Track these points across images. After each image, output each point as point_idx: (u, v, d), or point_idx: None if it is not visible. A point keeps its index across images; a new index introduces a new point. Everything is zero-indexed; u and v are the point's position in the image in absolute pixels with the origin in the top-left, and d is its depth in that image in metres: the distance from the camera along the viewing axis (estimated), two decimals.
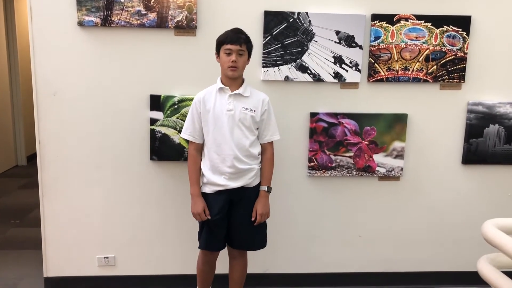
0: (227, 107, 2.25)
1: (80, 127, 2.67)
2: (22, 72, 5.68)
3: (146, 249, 2.84)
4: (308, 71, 2.67)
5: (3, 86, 5.47)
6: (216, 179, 2.29)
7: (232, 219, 2.37)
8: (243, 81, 2.31)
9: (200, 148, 2.35)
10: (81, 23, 2.54)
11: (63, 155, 2.69)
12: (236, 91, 2.26)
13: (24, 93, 5.75)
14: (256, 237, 2.41)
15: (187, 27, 2.58)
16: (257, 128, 2.33)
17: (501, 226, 1.76)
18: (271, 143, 2.39)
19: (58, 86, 2.62)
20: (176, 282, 2.82)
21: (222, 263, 2.63)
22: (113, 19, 2.54)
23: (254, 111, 2.28)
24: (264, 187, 2.36)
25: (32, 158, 5.91)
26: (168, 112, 2.64)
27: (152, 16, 2.55)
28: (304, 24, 2.61)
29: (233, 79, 2.25)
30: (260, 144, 2.36)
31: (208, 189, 2.33)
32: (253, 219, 2.33)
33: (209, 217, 2.31)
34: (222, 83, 2.28)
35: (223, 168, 2.27)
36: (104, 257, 2.82)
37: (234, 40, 2.19)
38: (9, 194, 4.76)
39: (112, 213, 2.78)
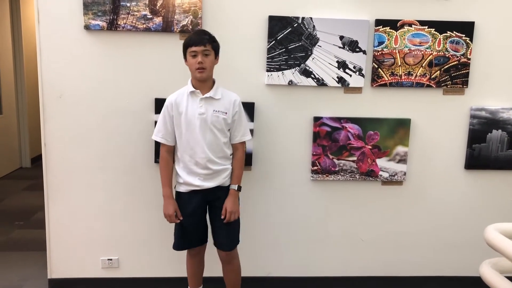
0: (199, 110, 2.27)
1: (85, 130, 2.69)
2: (27, 75, 5.72)
3: (150, 251, 2.86)
4: (312, 76, 2.68)
5: (8, 89, 5.51)
6: (191, 179, 2.32)
7: (210, 220, 2.43)
8: (213, 82, 2.33)
9: (171, 150, 2.37)
10: (87, 27, 2.57)
11: (68, 157, 2.71)
12: (207, 94, 2.28)
13: (29, 96, 5.78)
14: (229, 235, 2.42)
15: (192, 32, 2.60)
16: (229, 130, 2.35)
17: (504, 231, 1.77)
18: (243, 143, 2.42)
19: (63, 89, 2.65)
20: (179, 285, 2.83)
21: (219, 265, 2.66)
22: (119, 23, 2.56)
23: (226, 113, 2.30)
24: (234, 186, 2.38)
25: (36, 160, 5.94)
26: None
27: (158, 20, 2.58)
28: (308, 29, 2.63)
29: (203, 81, 2.28)
30: (231, 144, 2.39)
31: (183, 189, 2.37)
32: (222, 217, 2.35)
33: (181, 219, 2.35)
34: (193, 86, 2.29)
35: (197, 170, 2.30)
36: (108, 259, 2.83)
37: (197, 42, 2.21)
38: (13, 196, 4.78)
39: (116, 215, 2.80)
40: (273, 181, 2.80)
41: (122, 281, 2.87)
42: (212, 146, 2.29)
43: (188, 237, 2.42)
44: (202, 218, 2.42)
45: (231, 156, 2.40)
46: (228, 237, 2.42)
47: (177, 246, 2.45)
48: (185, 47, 2.26)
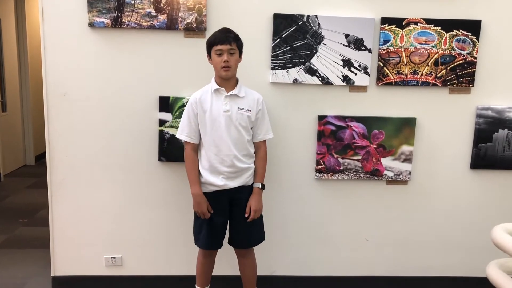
0: (224, 108, 2.27)
1: (89, 128, 2.69)
2: (31, 73, 5.73)
3: (153, 250, 2.85)
4: (317, 74, 2.67)
5: (13, 87, 5.52)
6: (214, 179, 2.31)
7: (231, 219, 2.42)
8: (237, 81, 2.34)
9: (196, 148, 2.36)
10: (91, 24, 2.56)
11: (72, 155, 2.71)
12: (232, 92, 2.29)
13: (33, 94, 5.79)
14: (254, 233, 2.44)
15: (197, 29, 2.59)
16: (251, 128, 2.35)
17: (511, 231, 1.75)
18: (264, 141, 2.43)
19: (68, 87, 2.64)
20: (182, 283, 2.82)
21: (228, 264, 2.65)
22: (123, 20, 2.56)
23: (250, 111, 2.31)
24: (258, 184, 2.39)
25: (40, 158, 5.95)
26: (177, 113, 2.64)
27: (162, 18, 2.57)
28: (313, 27, 2.61)
29: (227, 79, 2.28)
30: (254, 142, 2.39)
31: (206, 189, 2.36)
32: (246, 215, 2.36)
33: (212, 212, 2.34)
34: (217, 84, 2.29)
35: (221, 168, 2.30)
36: (111, 257, 2.83)
37: (223, 40, 2.21)
38: (17, 193, 4.79)
39: (120, 214, 2.79)
40: (277, 179, 2.79)
41: (126, 279, 2.86)
42: (237, 143, 2.29)
43: (217, 237, 2.40)
44: (226, 218, 2.41)
45: (254, 155, 2.39)
46: (251, 235, 2.43)
47: (206, 245, 2.42)
48: (210, 46, 2.26)
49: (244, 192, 2.38)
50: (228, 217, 2.42)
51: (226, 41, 2.22)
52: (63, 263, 2.83)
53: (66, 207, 2.76)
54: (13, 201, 4.55)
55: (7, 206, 4.41)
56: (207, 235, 2.39)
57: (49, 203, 2.75)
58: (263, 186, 2.41)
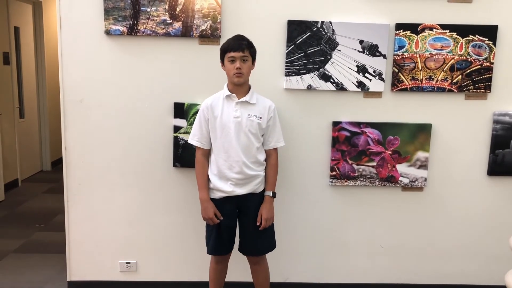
0: (234, 114, 2.28)
1: (105, 134, 2.72)
2: (48, 80, 5.82)
3: (168, 255, 2.86)
4: (331, 80, 2.66)
5: (30, 93, 5.61)
6: (222, 185, 2.32)
7: (240, 226, 2.42)
8: (249, 88, 2.34)
9: (207, 153, 2.37)
10: (108, 32, 2.59)
11: (88, 161, 2.74)
12: (243, 99, 2.29)
13: (50, 100, 5.88)
14: (264, 241, 2.43)
15: (212, 36, 2.61)
16: (262, 135, 2.35)
17: None
18: (276, 149, 2.42)
19: (84, 94, 2.68)
20: None
21: (241, 270, 2.65)
22: (139, 28, 2.59)
23: (261, 118, 2.31)
24: (269, 193, 2.39)
25: (56, 164, 6.03)
26: (192, 119, 2.66)
27: (177, 25, 2.59)
28: (328, 33, 2.61)
29: (239, 86, 2.29)
30: (265, 150, 2.39)
31: (214, 195, 2.36)
32: (258, 223, 2.35)
33: (221, 219, 2.35)
34: (229, 90, 2.31)
35: (230, 174, 2.30)
36: (126, 263, 2.85)
37: (236, 47, 2.23)
38: (34, 199, 4.85)
39: (135, 219, 2.81)
40: (291, 186, 2.78)
41: (140, 284, 2.88)
42: (246, 150, 2.29)
43: (224, 243, 2.41)
44: (234, 224, 2.42)
45: (264, 162, 2.39)
46: (262, 243, 2.43)
47: (214, 251, 2.44)
48: (223, 52, 2.27)
49: (253, 199, 2.37)
50: (237, 224, 2.43)
51: (239, 48, 2.23)
52: (79, 268, 2.86)
53: (82, 212, 2.79)
54: (30, 206, 4.61)
55: (24, 211, 4.47)
56: (215, 241, 2.40)
57: (65, 208, 2.79)
58: (274, 194, 2.40)
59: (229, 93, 2.31)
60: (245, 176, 2.31)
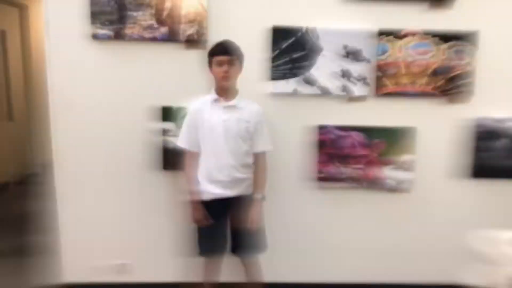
0: (223, 117, 2.32)
1: (93, 137, 2.74)
2: (36, 83, 5.79)
3: (161, 256, 2.89)
4: (317, 84, 2.70)
5: (18, 96, 5.59)
6: (211, 188, 2.35)
7: (231, 228, 2.46)
8: (237, 92, 2.37)
9: (195, 156, 2.40)
10: (95, 36, 2.61)
11: (78, 163, 2.76)
12: (231, 103, 2.33)
13: (38, 103, 5.85)
14: (255, 243, 2.46)
15: (198, 41, 2.64)
16: (250, 139, 2.38)
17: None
18: (264, 153, 2.45)
19: (72, 98, 2.70)
20: None
21: (236, 270, 2.68)
22: (126, 32, 2.61)
23: (249, 121, 2.34)
24: (258, 195, 2.40)
25: (45, 167, 6.00)
26: (180, 123, 2.68)
27: (164, 30, 2.62)
28: (312, 39, 2.65)
29: (227, 90, 2.32)
30: (253, 153, 2.41)
31: (204, 197, 2.39)
32: (248, 226, 2.38)
33: (211, 221, 2.38)
34: (216, 94, 2.34)
35: (219, 176, 2.34)
36: (120, 263, 2.87)
37: (223, 51, 2.27)
38: (22, 202, 4.84)
39: (127, 220, 2.84)
40: (277, 188, 2.81)
41: (135, 286, 2.90)
42: (235, 153, 2.33)
43: (214, 244, 2.44)
44: (224, 225, 2.45)
45: (252, 166, 2.42)
46: (252, 245, 2.45)
47: (203, 252, 2.47)
48: (211, 56, 2.31)
49: (242, 201, 2.40)
50: (227, 226, 2.46)
51: (226, 52, 2.27)
52: (73, 270, 2.88)
53: (73, 215, 2.82)
54: (18, 210, 4.60)
55: (13, 214, 4.46)
56: (205, 243, 2.43)
57: (56, 211, 2.81)
58: (263, 197, 2.43)
59: (217, 96, 2.33)
60: (234, 179, 2.34)
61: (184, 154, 2.43)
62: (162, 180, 2.79)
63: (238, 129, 2.32)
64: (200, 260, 2.55)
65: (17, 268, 3.31)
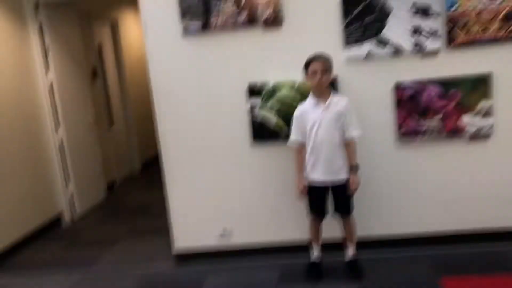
0: (322, 115, 2.72)
1: (192, 120, 3.14)
2: (130, 91, 6.36)
3: (259, 220, 3.23)
4: (389, 45, 2.88)
5: (116, 104, 6.18)
6: (315, 175, 2.80)
7: (333, 195, 2.87)
8: (329, 92, 2.74)
9: (303, 145, 2.83)
10: (185, 30, 2.99)
11: (181, 144, 3.18)
12: (327, 102, 2.72)
13: (134, 109, 6.42)
14: (350, 205, 2.87)
15: (274, 22, 2.93)
16: (344, 128, 2.76)
17: None
18: (354, 137, 2.79)
19: (170, 89, 3.12)
20: (290, 248, 3.20)
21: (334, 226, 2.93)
22: (212, 22, 2.96)
23: (343, 114, 2.73)
24: (354, 166, 2.80)
25: (144, 166, 6.59)
26: (265, 97, 3.00)
27: (244, 15, 2.93)
28: (382, 1, 2.83)
29: (322, 93, 2.72)
30: (345, 139, 2.77)
31: (309, 180, 2.84)
32: (349, 191, 2.79)
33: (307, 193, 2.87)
34: (314, 97, 2.75)
35: (321, 166, 2.77)
36: (223, 230, 3.25)
37: (317, 62, 2.67)
38: (131, 195, 5.41)
39: (227, 192, 3.22)
40: (361, 147, 2.95)
41: (236, 248, 3.27)
42: (334, 144, 2.75)
43: (320, 209, 2.89)
44: (326, 198, 2.88)
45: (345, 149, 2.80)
46: (350, 207, 2.87)
47: (313, 213, 2.93)
48: (307, 65, 2.71)
49: (340, 181, 2.80)
50: (327, 198, 2.88)
51: (320, 60, 2.67)
52: (181, 240, 3.30)
53: (180, 193, 3.24)
54: (127, 201, 5.17)
55: (125, 205, 5.03)
56: (313, 207, 2.91)
57: (166, 191, 3.23)
58: (357, 166, 2.80)
59: (315, 99, 2.72)
60: (334, 166, 2.77)
61: (295, 146, 2.85)
62: (250, 154, 3.14)
63: (336, 122, 2.71)
64: (310, 219, 2.94)
65: (136, 244, 3.81)
